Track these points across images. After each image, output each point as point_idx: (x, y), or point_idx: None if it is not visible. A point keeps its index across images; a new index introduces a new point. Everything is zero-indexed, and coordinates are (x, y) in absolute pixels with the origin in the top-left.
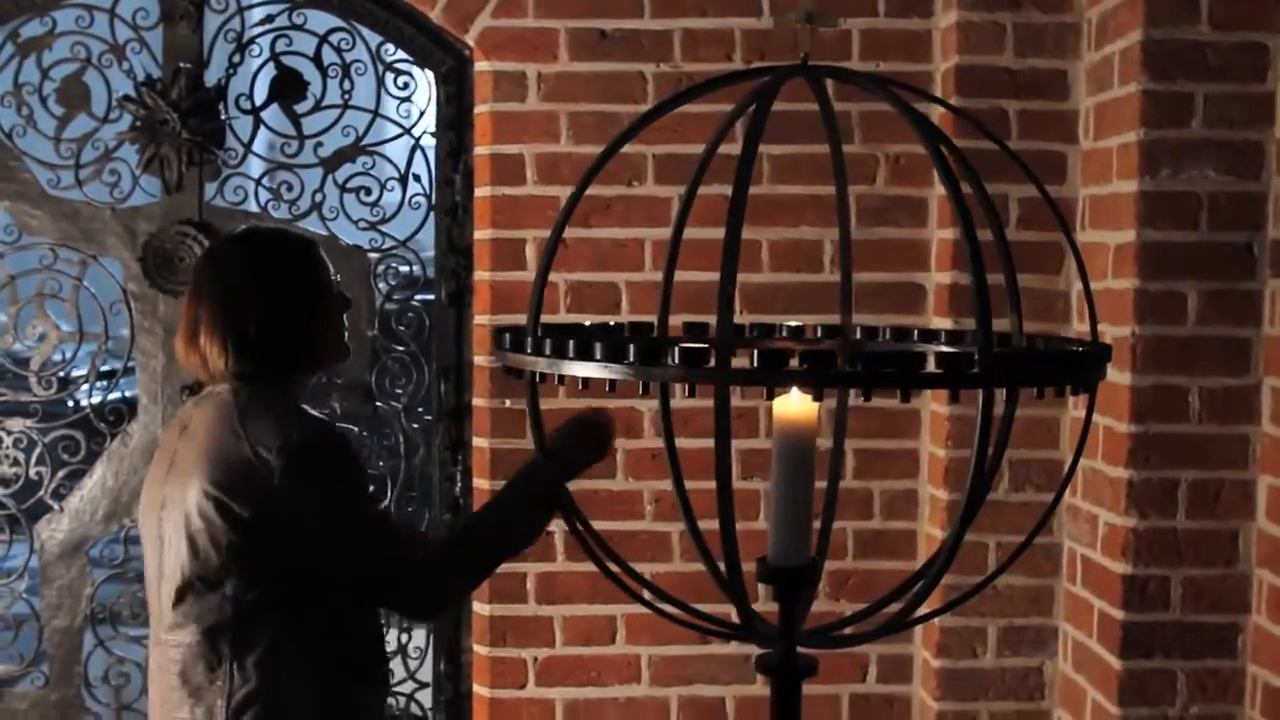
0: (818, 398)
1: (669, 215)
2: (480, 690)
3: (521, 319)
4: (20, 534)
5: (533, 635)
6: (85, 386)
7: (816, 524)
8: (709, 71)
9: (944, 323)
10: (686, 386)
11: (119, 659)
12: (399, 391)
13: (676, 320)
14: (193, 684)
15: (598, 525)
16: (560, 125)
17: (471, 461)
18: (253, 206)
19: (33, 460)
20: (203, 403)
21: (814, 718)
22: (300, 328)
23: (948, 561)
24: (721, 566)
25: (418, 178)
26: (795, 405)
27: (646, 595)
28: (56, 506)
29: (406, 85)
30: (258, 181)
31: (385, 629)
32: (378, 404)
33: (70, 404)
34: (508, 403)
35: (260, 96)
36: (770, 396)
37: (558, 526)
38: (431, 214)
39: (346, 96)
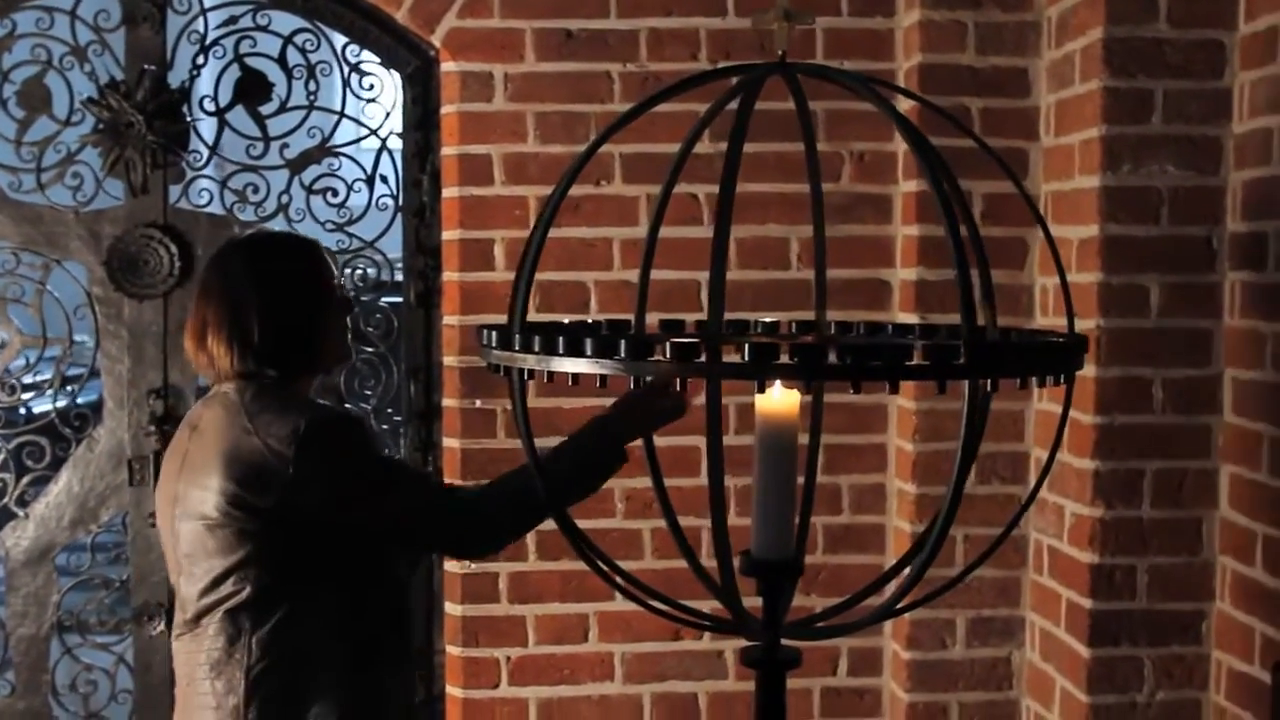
0: (807, 391)
1: (638, 215)
2: (454, 691)
3: (491, 319)
4: None
5: (505, 635)
6: (49, 391)
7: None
8: (675, 71)
9: (910, 318)
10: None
11: (86, 666)
12: (368, 393)
13: (649, 318)
14: (212, 660)
15: None
16: (527, 125)
17: (442, 462)
18: (218, 209)
19: None
20: (210, 402)
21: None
22: (304, 329)
23: (934, 552)
24: (706, 562)
25: (384, 179)
26: (777, 399)
27: (639, 594)
28: (21, 513)
29: (372, 86)
30: (223, 184)
31: (405, 607)
32: (347, 405)
33: (35, 409)
34: (478, 403)
35: (225, 98)
36: (761, 390)
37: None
38: (399, 215)
39: (312, 98)
